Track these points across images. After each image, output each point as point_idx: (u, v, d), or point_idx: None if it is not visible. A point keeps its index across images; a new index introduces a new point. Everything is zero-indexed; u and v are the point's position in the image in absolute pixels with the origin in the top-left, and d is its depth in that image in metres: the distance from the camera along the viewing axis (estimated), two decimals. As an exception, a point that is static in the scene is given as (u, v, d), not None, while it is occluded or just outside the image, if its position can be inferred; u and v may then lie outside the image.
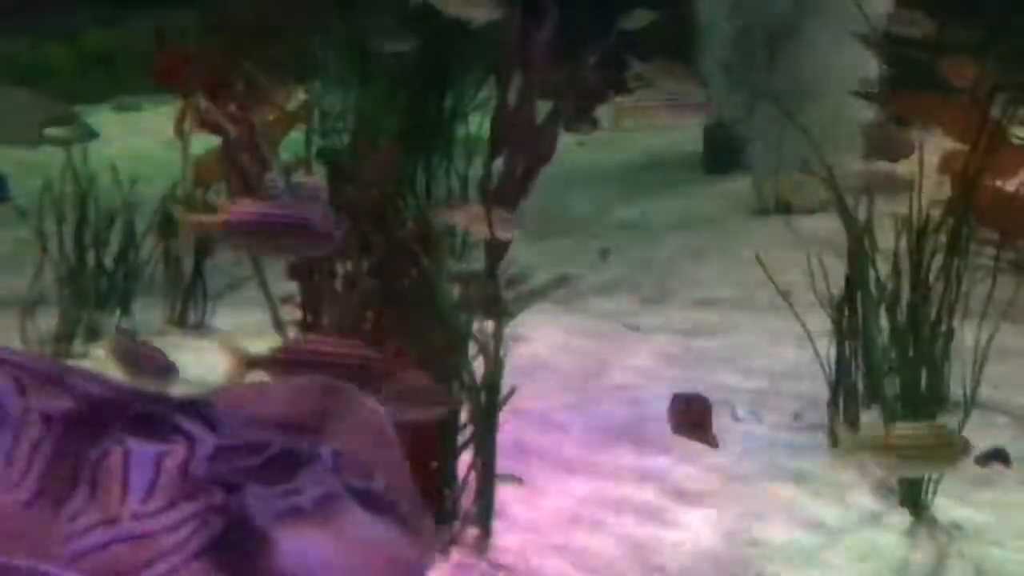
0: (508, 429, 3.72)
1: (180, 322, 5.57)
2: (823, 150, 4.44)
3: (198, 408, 2.47)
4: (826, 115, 7.04)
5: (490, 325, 3.99)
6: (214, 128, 3.84)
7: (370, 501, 2.28)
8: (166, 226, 5.54)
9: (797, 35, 7.59)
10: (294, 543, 2.16)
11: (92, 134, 9.72)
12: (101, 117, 10.57)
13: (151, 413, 2.41)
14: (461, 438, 3.59)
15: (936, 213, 4.26)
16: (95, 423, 2.37)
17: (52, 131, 9.36)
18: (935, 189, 4.63)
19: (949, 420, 3.78)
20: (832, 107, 7.31)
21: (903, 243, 4.15)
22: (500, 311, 4.07)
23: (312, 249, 3.51)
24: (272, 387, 2.82)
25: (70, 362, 4.94)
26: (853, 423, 4.21)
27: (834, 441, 4.20)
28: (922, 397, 3.95)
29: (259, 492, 2.22)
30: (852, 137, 7.30)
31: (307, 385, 2.69)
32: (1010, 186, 5.24)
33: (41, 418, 2.37)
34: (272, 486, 2.23)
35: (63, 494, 2.24)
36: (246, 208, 3.42)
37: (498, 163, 4.58)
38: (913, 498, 3.72)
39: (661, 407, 3.94)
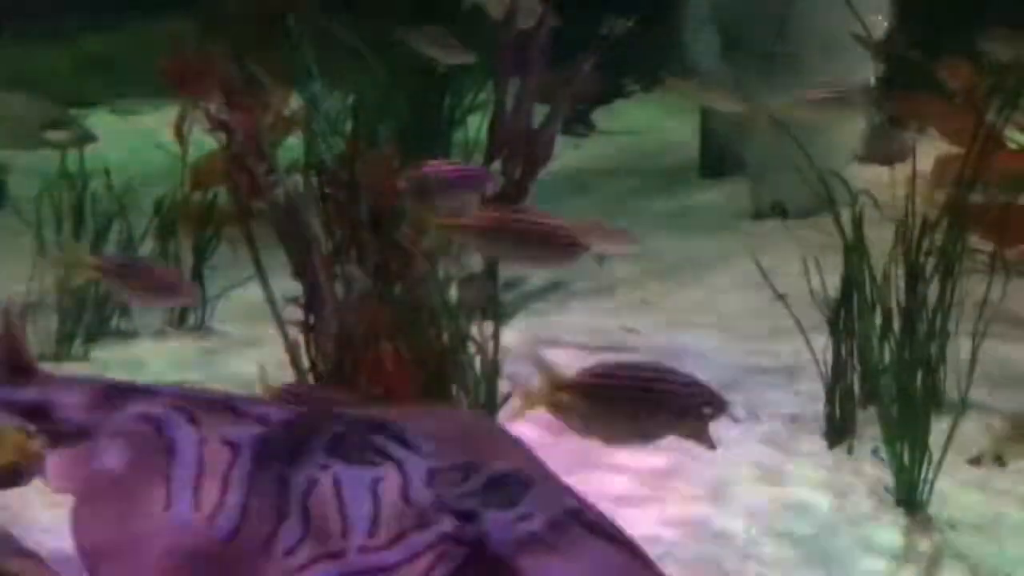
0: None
1: (179, 323, 5.57)
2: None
3: (387, 427, 2.31)
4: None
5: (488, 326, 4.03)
6: (223, 129, 3.84)
7: (591, 526, 2.14)
8: (165, 227, 5.56)
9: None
10: (538, 572, 2.01)
11: (90, 137, 9.75)
12: (99, 120, 10.60)
13: (345, 434, 2.25)
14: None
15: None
16: (289, 448, 2.21)
17: (50, 134, 9.38)
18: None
19: (945, 421, 3.82)
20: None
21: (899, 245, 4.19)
22: (497, 313, 4.10)
23: (559, 259, 3.38)
24: (417, 412, 2.67)
25: (69, 365, 4.96)
26: (849, 424, 4.24)
27: (831, 442, 4.23)
28: (918, 398, 3.97)
29: (495, 518, 2.07)
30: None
31: (450, 414, 2.56)
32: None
33: (224, 446, 2.22)
34: (502, 511, 2.09)
35: (270, 526, 2.08)
36: (496, 213, 3.28)
37: (496, 166, 4.60)
38: (909, 497, 3.74)
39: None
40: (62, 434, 2.42)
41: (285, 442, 2.24)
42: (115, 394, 2.51)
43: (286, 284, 3.97)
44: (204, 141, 4.74)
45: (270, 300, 3.87)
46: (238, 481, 2.14)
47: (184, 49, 4.53)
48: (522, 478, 2.17)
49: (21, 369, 2.67)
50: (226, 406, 2.38)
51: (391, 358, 3.68)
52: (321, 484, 2.13)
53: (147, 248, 5.55)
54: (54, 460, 2.37)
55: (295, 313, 3.90)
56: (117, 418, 2.36)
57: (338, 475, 2.14)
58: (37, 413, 2.54)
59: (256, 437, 2.25)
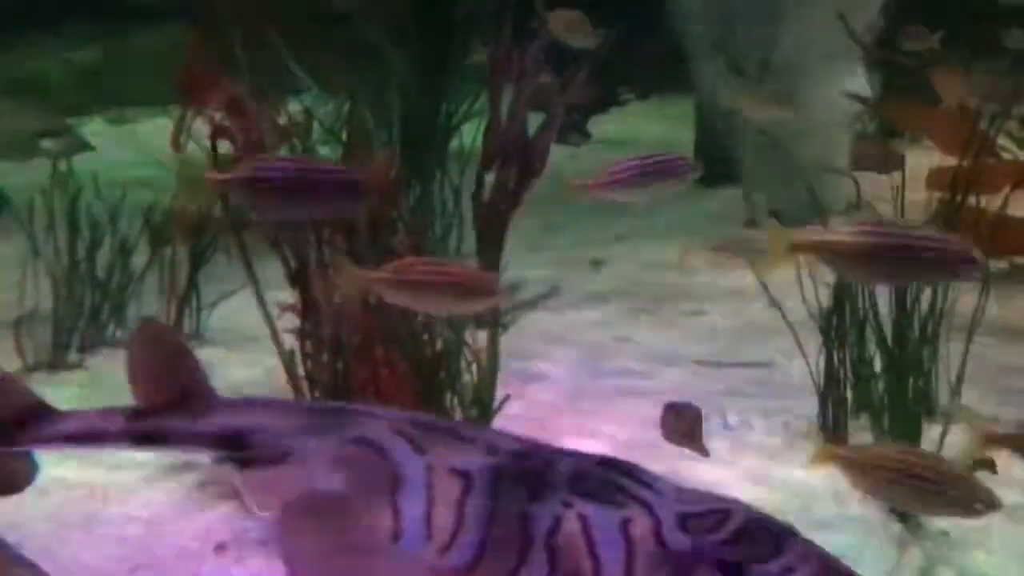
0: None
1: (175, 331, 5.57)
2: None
3: (620, 464, 2.20)
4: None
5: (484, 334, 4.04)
6: (225, 137, 3.85)
7: None
8: (160, 235, 5.56)
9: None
10: None
11: (85, 146, 9.78)
12: (94, 129, 10.62)
13: (584, 470, 2.13)
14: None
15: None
16: (527, 481, 2.09)
17: (46, 143, 9.39)
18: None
19: (936, 428, 3.83)
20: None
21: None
22: (494, 320, 4.12)
23: (947, 276, 3.06)
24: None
25: (64, 374, 4.97)
26: (841, 432, 4.26)
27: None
28: (910, 406, 3.99)
29: (759, 572, 1.96)
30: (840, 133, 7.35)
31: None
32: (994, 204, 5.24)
33: (454, 475, 2.11)
34: (765, 563, 1.98)
35: (512, 562, 1.98)
36: (860, 227, 2.88)
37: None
38: (901, 505, 3.76)
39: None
40: (263, 459, 2.31)
41: (521, 475, 2.12)
42: (323, 417, 2.41)
43: (285, 292, 3.97)
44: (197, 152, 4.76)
45: (263, 308, 3.86)
46: (474, 513, 2.04)
47: (185, 59, 4.58)
48: (778, 526, 2.06)
49: (198, 396, 2.57)
50: (449, 433, 2.27)
51: (386, 365, 3.69)
52: (567, 522, 2.01)
53: (142, 256, 5.55)
54: (258, 481, 2.25)
55: (292, 320, 3.91)
56: (330, 442, 2.24)
57: (585, 514, 2.03)
58: (229, 442, 2.44)
59: (488, 468, 2.12)
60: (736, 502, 2.14)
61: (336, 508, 2.06)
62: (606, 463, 2.19)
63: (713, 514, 2.05)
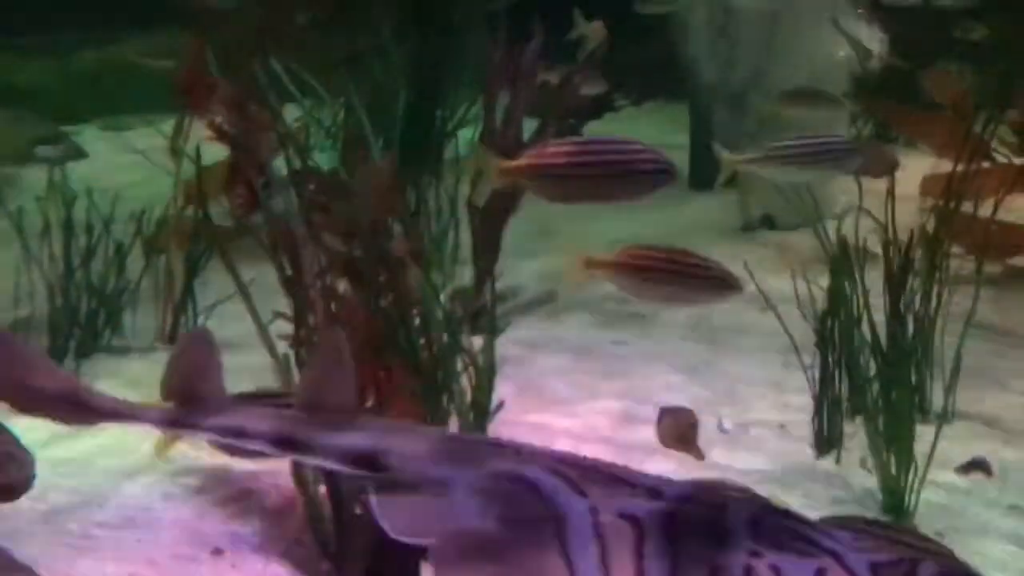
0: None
1: (171, 338, 5.57)
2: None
3: (785, 509, 2.14)
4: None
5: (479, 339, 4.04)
6: (225, 141, 3.85)
7: None
8: (155, 242, 5.56)
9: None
10: None
11: (80, 153, 9.77)
12: (90, 136, 10.61)
13: (757, 516, 2.05)
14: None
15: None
16: (705, 527, 2.00)
17: (41, 149, 9.38)
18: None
19: (931, 430, 3.84)
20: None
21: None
22: (489, 325, 4.12)
23: None
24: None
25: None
26: (837, 434, 4.27)
27: (819, 452, 4.26)
28: (905, 407, 4.00)
29: None
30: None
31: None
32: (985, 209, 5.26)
33: (623, 520, 2.01)
34: None
35: None
36: None
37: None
38: (897, 505, 3.77)
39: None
40: (399, 483, 2.23)
41: (696, 521, 2.02)
42: (460, 446, 2.33)
43: (282, 298, 3.96)
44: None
45: (255, 317, 3.84)
46: (655, 562, 1.93)
47: (184, 62, 4.58)
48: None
49: (343, 410, 2.57)
50: (602, 472, 2.17)
51: (383, 368, 3.70)
52: (758, 573, 1.94)
53: (136, 262, 5.55)
54: (394, 505, 2.16)
55: (286, 326, 3.90)
56: (471, 473, 2.14)
57: (776, 564, 1.96)
58: (365, 461, 2.40)
59: (659, 513, 2.03)
60: (910, 545, 2.10)
61: (499, 549, 1.95)
62: (771, 507, 2.11)
63: (903, 563, 1.99)
